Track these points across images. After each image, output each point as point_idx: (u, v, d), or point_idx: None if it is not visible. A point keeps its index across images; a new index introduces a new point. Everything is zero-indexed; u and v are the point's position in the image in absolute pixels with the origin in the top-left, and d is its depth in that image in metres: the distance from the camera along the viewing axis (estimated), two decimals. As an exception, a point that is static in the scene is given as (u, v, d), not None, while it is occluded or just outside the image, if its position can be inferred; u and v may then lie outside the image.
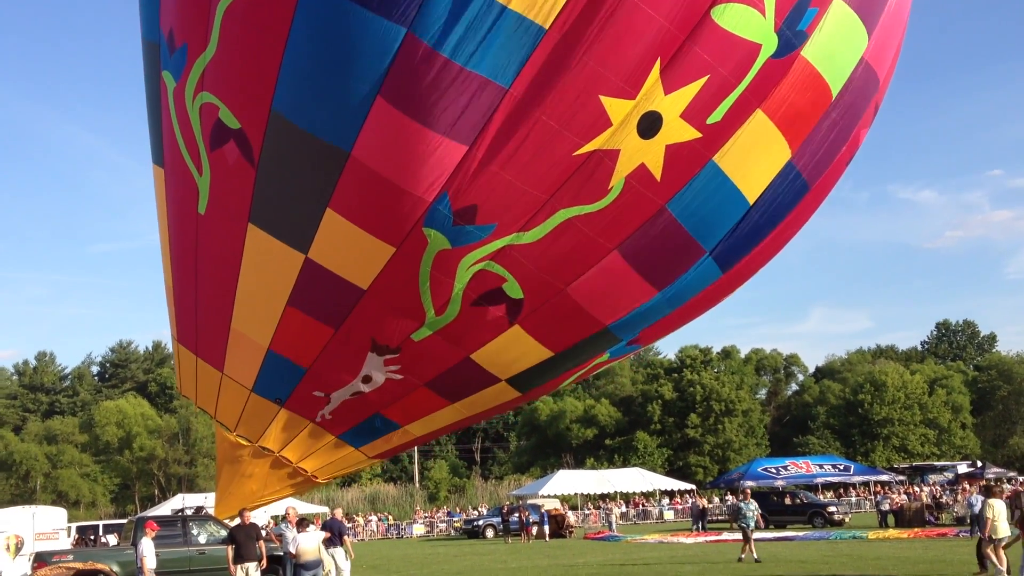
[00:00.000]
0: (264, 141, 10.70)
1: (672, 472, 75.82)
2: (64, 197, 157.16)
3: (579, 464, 78.56)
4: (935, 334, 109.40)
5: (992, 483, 23.11)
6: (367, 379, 12.41)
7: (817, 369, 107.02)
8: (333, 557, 18.70)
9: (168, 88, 11.54)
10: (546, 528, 44.33)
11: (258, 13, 10.18)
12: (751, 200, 11.27)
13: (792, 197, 11.75)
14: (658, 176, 10.47)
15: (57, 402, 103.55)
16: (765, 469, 60.09)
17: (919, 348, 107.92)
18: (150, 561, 17.57)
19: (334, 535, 18.94)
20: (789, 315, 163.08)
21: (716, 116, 10.31)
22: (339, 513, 20.48)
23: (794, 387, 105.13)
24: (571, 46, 9.62)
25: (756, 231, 11.81)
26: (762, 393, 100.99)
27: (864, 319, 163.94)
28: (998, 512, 17.28)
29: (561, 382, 13.72)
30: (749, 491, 31.80)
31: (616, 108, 9.93)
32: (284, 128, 10.47)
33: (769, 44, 10.21)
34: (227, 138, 10.98)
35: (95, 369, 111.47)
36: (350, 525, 62.86)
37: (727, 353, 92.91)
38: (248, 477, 14.36)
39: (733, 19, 9.88)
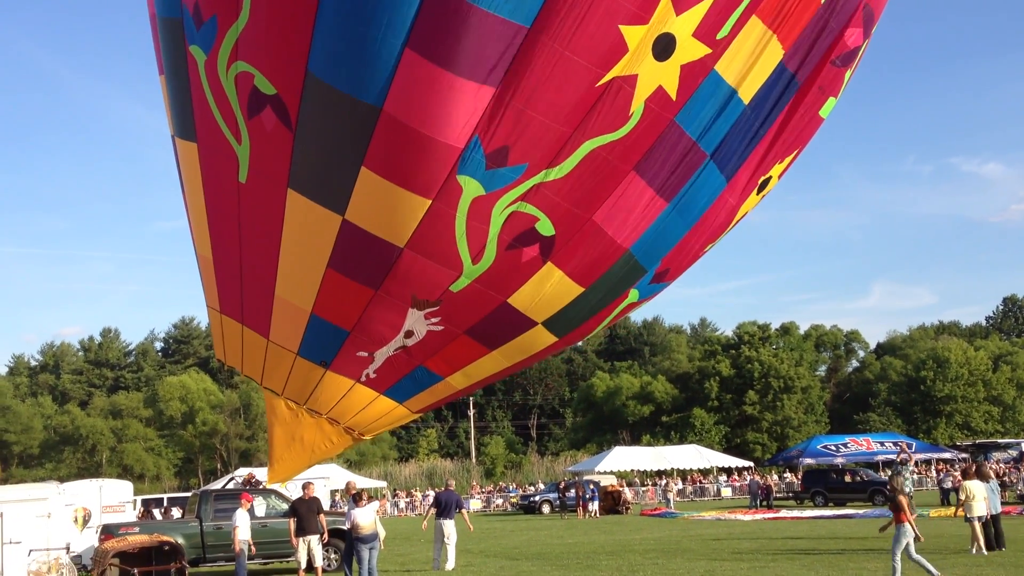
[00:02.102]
0: (300, 104, 10.89)
1: (730, 449, 75.33)
2: (128, 175, 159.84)
3: (635, 441, 78.42)
4: (1001, 309, 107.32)
5: (976, 465, 24.09)
6: (409, 334, 12.66)
7: (878, 345, 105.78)
8: (442, 527, 18.94)
9: (198, 62, 11.61)
10: (595, 504, 44.09)
11: None
12: (745, 99, 11.54)
13: (781, 92, 11.96)
14: (674, 96, 10.87)
15: (122, 377, 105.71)
16: (825, 447, 59.55)
17: (984, 324, 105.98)
18: (242, 532, 17.89)
19: (450, 506, 19.12)
20: (850, 291, 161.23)
21: (724, 31, 10.71)
22: (452, 484, 20.53)
23: (855, 364, 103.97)
24: None
25: (751, 131, 12.02)
26: (822, 370, 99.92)
27: (927, 294, 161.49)
28: (974, 492, 19.27)
29: (595, 325, 13.84)
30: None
31: (632, 34, 10.24)
32: (318, 89, 10.68)
33: None
34: (264, 104, 11.13)
35: (158, 345, 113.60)
36: (408, 499, 63.50)
37: (786, 329, 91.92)
38: (298, 440, 14.72)
39: None
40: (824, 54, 12.14)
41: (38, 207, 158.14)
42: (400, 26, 10.09)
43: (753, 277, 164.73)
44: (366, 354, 13.07)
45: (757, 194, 13.46)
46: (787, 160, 13.31)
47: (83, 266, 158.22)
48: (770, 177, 13.26)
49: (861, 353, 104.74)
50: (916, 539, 14.40)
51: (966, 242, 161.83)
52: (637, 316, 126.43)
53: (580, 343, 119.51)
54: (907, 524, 14.28)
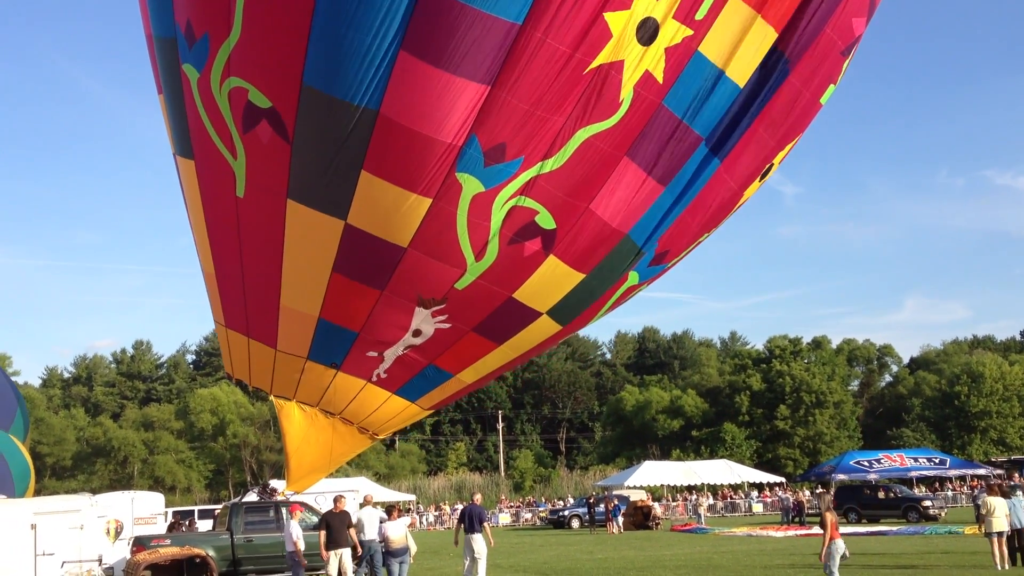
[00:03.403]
0: (297, 115, 11.06)
1: (761, 465, 74.67)
2: (160, 188, 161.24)
3: (665, 455, 77.92)
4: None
5: (994, 481, 23.88)
6: (417, 333, 12.83)
7: (912, 360, 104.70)
8: (471, 542, 18.97)
9: (191, 80, 11.81)
10: (618, 520, 43.45)
11: None
12: (740, 82, 11.72)
13: (774, 75, 12.09)
14: (661, 80, 11.11)
15: (153, 390, 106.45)
16: (858, 462, 58.90)
17: (1019, 338, 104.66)
18: (301, 543, 17.89)
19: (474, 521, 19.16)
20: (882, 305, 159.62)
21: (702, 12, 10.95)
22: (478, 499, 20.55)
23: (888, 378, 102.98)
24: None
25: (747, 115, 12.17)
26: (854, 384, 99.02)
27: (961, 309, 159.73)
28: (994, 507, 19.20)
29: (598, 310, 13.98)
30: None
31: (616, 20, 10.52)
32: (314, 98, 10.84)
33: None
34: (259, 118, 11.29)
35: (190, 358, 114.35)
36: (436, 513, 63.42)
37: (818, 343, 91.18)
38: (314, 443, 14.82)
39: None
40: (823, 39, 12.20)
41: (72, 221, 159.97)
42: (393, 29, 10.34)
43: (784, 291, 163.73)
44: (376, 354, 13.18)
45: (760, 180, 13.58)
46: (788, 147, 13.40)
47: (116, 279, 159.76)
48: (772, 164, 13.36)
49: (894, 368, 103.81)
50: (843, 556, 14.68)
51: (1000, 256, 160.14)
52: (666, 329, 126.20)
53: (609, 355, 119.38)
54: (839, 540, 14.49)
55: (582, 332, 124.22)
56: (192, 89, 11.85)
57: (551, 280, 12.39)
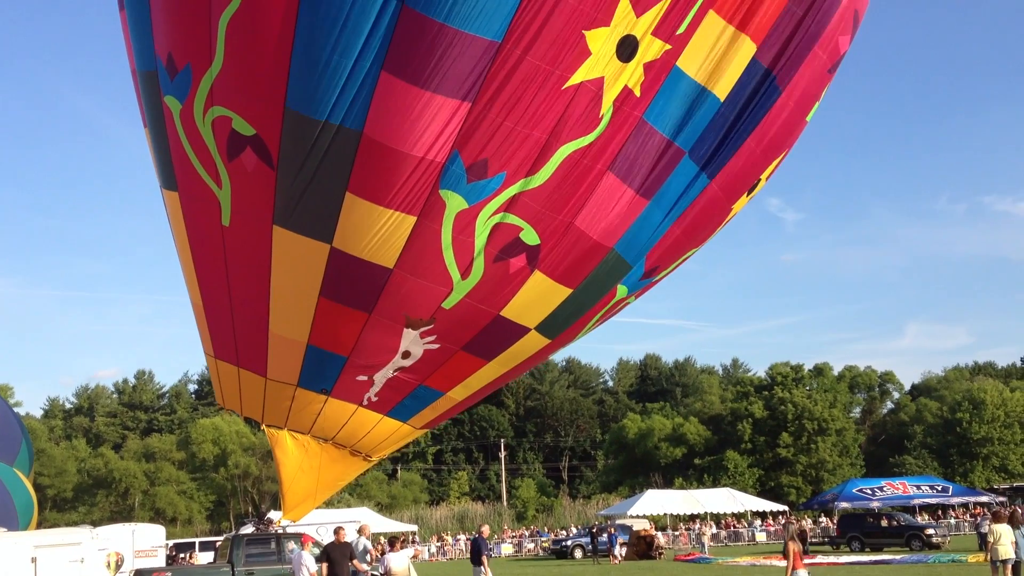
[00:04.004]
0: (281, 141, 11.18)
1: (764, 493, 74.35)
2: (164, 219, 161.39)
3: (668, 484, 77.54)
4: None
5: (999, 508, 23.60)
6: (406, 354, 12.85)
7: (913, 387, 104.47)
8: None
9: (173, 112, 11.92)
10: (617, 550, 43.00)
11: (263, 18, 10.68)
12: (720, 96, 11.80)
13: (764, 95, 12.19)
14: (639, 94, 11.29)
15: (155, 420, 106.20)
16: (860, 490, 58.64)
17: (1020, 364, 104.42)
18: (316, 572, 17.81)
19: (478, 554, 19.01)
20: (883, 331, 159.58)
21: (683, 27, 11.11)
22: (485, 531, 20.46)
23: (889, 405, 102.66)
24: None
25: (733, 130, 12.22)
26: (856, 411, 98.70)
27: (962, 335, 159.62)
28: (1000, 535, 18.91)
29: (586, 323, 14.01)
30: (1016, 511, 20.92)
31: (595, 37, 10.68)
32: (298, 122, 10.98)
33: None
34: (243, 146, 11.42)
35: (192, 387, 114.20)
36: (439, 544, 63.14)
37: (819, 370, 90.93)
38: (308, 471, 14.79)
39: None
40: (812, 58, 12.39)
41: (77, 250, 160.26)
42: (373, 50, 10.50)
43: (786, 317, 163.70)
44: (365, 378, 13.22)
45: (748, 195, 13.69)
46: (775, 162, 13.56)
47: (121, 308, 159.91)
48: (759, 179, 13.51)
49: (896, 394, 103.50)
50: None
51: (1001, 282, 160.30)
52: (668, 356, 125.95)
53: (611, 383, 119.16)
54: (802, 570, 14.83)
55: (584, 359, 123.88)
56: (175, 121, 11.96)
57: (538, 296, 12.45)
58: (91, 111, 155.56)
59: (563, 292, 12.54)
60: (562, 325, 13.34)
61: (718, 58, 11.52)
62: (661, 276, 14.07)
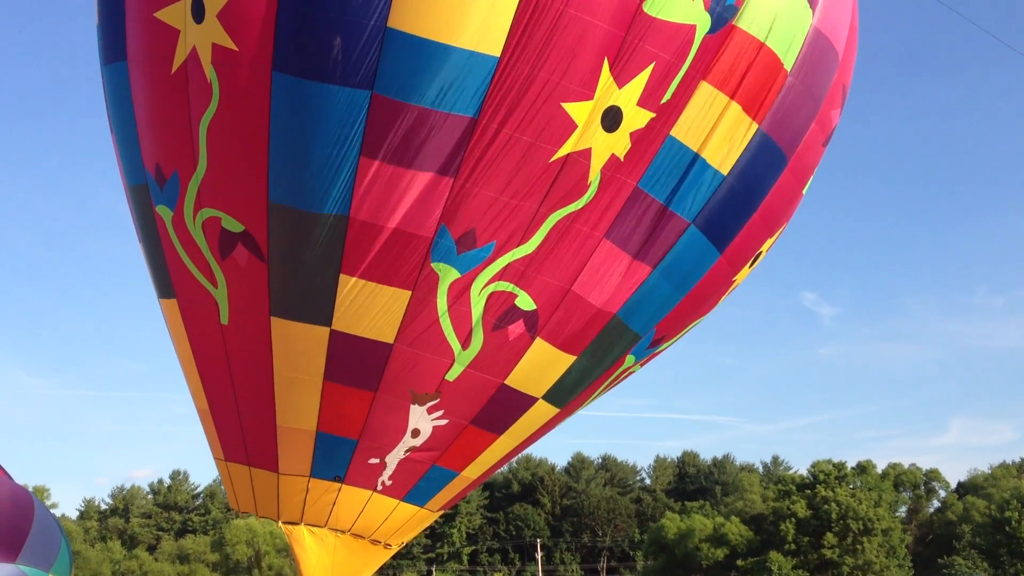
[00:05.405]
0: (269, 234, 11.42)
1: (809, 595, 72.52)
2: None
3: (710, 586, 75.85)
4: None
5: None
6: (416, 433, 12.77)
7: (959, 484, 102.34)
8: None
9: (165, 220, 12.20)
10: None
11: (238, 118, 11.04)
12: (723, 170, 11.90)
13: (768, 166, 12.33)
14: (623, 158, 11.31)
15: (189, 520, 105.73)
16: (910, 592, 57.04)
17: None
18: None
19: None
20: (927, 427, 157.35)
21: (667, 96, 11.17)
22: None
23: (936, 504, 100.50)
24: (524, 66, 10.54)
25: (740, 203, 12.36)
26: (902, 511, 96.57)
27: (1007, 430, 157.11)
28: None
29: (594, 391, 13.94)
30: None
31: (578, 111, 10.82)
32: (283, 214, 11.24)
33: (703, 23, 11.11)
34: (234, 243, 11.65)
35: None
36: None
37: (862, 468, 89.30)
38: (329, 566, 14.55)
39: (663, 8, 10.81)
40: (810, 134, 12.58)
41: (114, 351, 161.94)
42: (350, 138, 10.74)
43: (825, 413, 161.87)
44: (377, 460, 13.16)
45: (749, 266, 13.78)
46: (776, 234, 13.71)
47: (157, 408, 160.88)
48: (760, 251, 13.63)
49: (942, 493, 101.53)
50: None
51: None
52: (706, 453, 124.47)
53: (648, 481, 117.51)
54: None
55: (620, 456, 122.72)
56: (167, 228, 12.23)
57: (541, 363, 12.44)
58: (124, 210, 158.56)
59: (567, 359, 12.55)
60: (569, 394, 13.30)
61: (720, 130, 11.68)
62: (666, 346, 14.16)
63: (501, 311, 11.80)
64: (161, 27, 11.49)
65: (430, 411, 12.53)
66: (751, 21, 11.49)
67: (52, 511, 53.78)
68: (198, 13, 11.11)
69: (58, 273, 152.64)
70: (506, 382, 12.45)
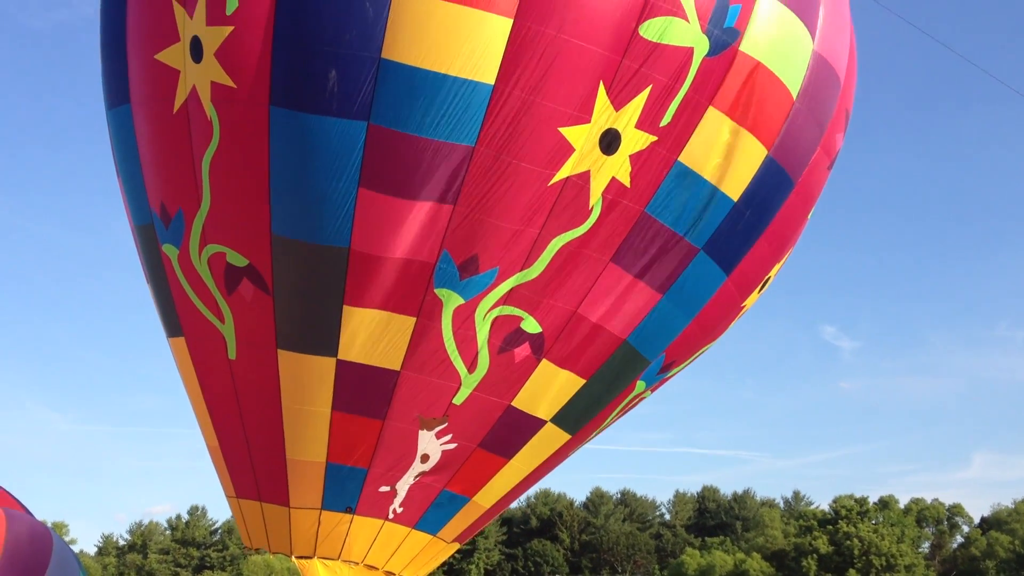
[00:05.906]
0: (273, 267, 11.49)
1: (833, 631, 71.62)
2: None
3: (732, 622, 75.05)
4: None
5: None
6: (425, 458, 12.77)
7: (983, 519, 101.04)
8: None
9: (171, 259, 12.33)
10: None
11: (239, 154, 11.19)
12: (733, 196, 11.90)
13: (776, 190, 12.31)
14: (627, 184, 11.29)
15: (207, 556, 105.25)
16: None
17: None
18: None
19: None
20: (949, 462, 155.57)
21: (666, 119, 11.14)
22: None
23: (959, 539, 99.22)
24: (519, 92, 10.60)
25: (748, 227, 12.36)
26: (925, 546, 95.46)
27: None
28: None
29: (605, 417, 13.89)
30: None
31: (575, 135, 10.84)
32: (286, 247, 11.34)
33: (701, 46, 11.09)
34: (240, 277, 11.74)
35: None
36: None
37: (885, 503, 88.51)
38: None
39: (659, 31, 10.80)
40: (815, 158, 12.63)
41: (131, 387, 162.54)
42: (349, 169, 10.82)
43: (846, 447, 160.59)
44: (388, 488, 13.15)
45: (758, 291, 13.80)
46: (783, 259, 13.74)
47: (175, 443, 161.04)
48: (769, 276, 13.63)
49: (965, 528, 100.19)
50: None
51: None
52: (727, 488, 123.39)
53: (668, 516, 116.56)
54: None
55: (639, 491, 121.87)
56: (174, 267, 12.35)
57: (548, 385, 12.43)
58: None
59: (576, 382, 12.54)
60: (580, 419, 13.27)
61: (730, 156, 11.69)
62: (676, 371, 14.14)
63: (506, 333, 11.83)
64: (162, 68, 11.67)
65: (438, 435, 12.54)
66: (754, 45, 11.48)
67: (71, 547, 53.78)
68: (196, 53, 11.26)
69: (78, 308, 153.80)
70: (513, 403, 12.46)
